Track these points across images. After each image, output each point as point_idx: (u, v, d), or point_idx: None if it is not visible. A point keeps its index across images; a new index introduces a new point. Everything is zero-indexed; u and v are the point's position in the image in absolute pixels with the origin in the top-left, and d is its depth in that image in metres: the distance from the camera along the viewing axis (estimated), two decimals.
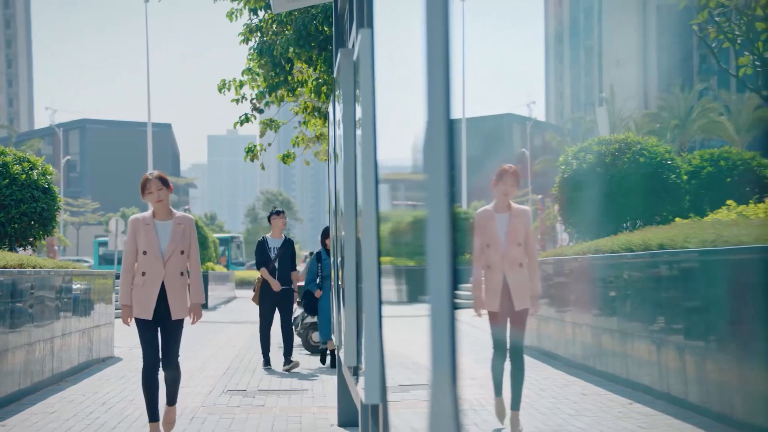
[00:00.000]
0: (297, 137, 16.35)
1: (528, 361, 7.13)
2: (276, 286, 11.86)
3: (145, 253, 6.93)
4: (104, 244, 39.76)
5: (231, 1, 14.22)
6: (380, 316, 3.89)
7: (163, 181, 7.04)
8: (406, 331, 3.36)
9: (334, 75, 5.91)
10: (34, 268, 10.07)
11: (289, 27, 13.55)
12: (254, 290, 12.34)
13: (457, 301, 2.26)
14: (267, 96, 14.44)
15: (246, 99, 14.75)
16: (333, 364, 11.99)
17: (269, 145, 15.34)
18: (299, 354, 13.54)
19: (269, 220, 12.30)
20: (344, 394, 7.77)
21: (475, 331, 8.77)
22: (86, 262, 45.15)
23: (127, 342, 14.94)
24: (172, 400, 7.25)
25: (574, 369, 9.62)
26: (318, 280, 12.21)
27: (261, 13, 14.02)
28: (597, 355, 8.85)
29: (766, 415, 4.73)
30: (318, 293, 12.19)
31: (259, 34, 14.09)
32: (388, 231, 3.80)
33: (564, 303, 10.57)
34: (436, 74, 2.25)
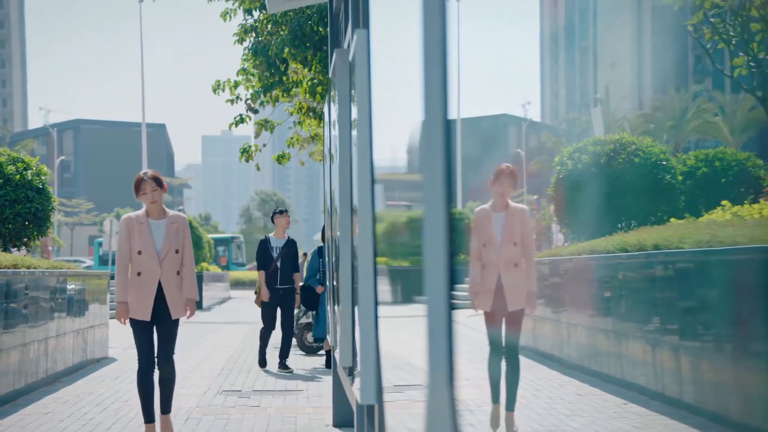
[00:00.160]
0: (292, 137, 16.35)
1: (523, 361, 7.13)
2: (264, 295, 11.80)
3: (140, 252, 6.90)
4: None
5: (225, 0, 14.22)
6: (376, 317, 3.89)
7: (158, 182, 7.01)
8: (401, 332, 3.36)
9: (330, 75, 5.90)
10: (28, 268, 10.05)
11: (284, 27, 13.55)
12: (256, 292, 12.22)
13: (454, 301, 2.25)
14: (262, 96, 14.44)
15: (241, 99, 14.74)
16: (328, 365, 11.99)
17: (264, 145, 15.32)
18: (294, 354, 13.52)
19: (272, 220, 12.19)
20: (339, 394, 7.76)
21: (470, 332, 8.78)
22: (82, 262, 45.09)
23: (121, 342, 14.91)
24: (166, 407, 7.12)
25: (569, 369, 9.62)
26: (319, 276, 12.11)
27: (256, 14, 14.01)
28: (592, 355, 8.86)
29: (762, 415, 4.73)
30: (320, 289, 12.06)
31: (253, 35, 14.09)
32: (383, 231, 3.80)
33: (559, 303, 10.58)
34: (433, 74, 2.24)
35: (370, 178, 3.95)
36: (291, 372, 11.69)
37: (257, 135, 15.83)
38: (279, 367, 11.74)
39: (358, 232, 3.96)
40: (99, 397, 9.72)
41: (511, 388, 6.79)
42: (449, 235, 2.22)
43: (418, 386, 2.68)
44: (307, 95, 13.79)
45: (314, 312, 12.70)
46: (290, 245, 11.94)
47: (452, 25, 2.27)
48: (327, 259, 7.29)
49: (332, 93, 5.72)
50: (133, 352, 7.70)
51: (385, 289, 3.79)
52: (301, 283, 12.65)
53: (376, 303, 3.89)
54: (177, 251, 6.97)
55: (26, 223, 12.06)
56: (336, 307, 5.89)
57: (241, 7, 13.97)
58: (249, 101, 14.67)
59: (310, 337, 13.70)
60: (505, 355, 6.79)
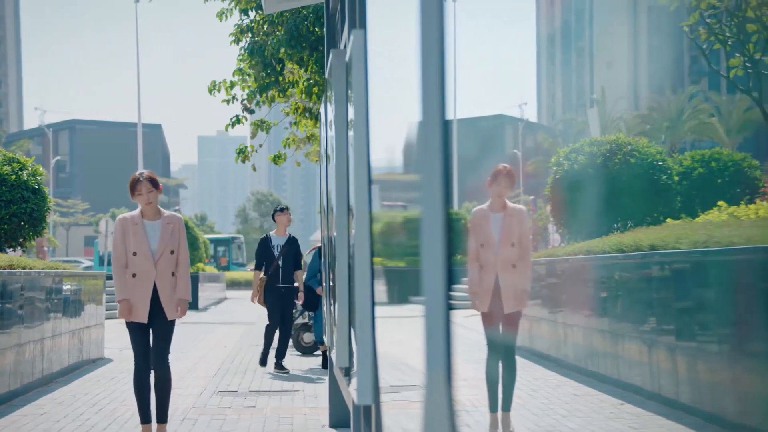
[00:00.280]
0: (288, 138, 16.34)
1: (520, 361, 7.14)
2: (254, 296, 11.80)
3: (135, 254, 6.87)
4: None
5: (222, 0, 14.21)
6: (373, 317, 3.88)
7: (153, 183, 6.99)
8: (398, 332, 3.35)
9: (326, 76, 5.89)
10: (24, 268, 10.03)
11: (280, 27, 13.54)
12: (256, 291, 12.01)
13: (452, 301, 2.25)
14: (258, 96, 14.43)
15: (237, 100, 14.73)
16: (324, 365, 11.98)
17: (260, 146, 15.31)
18: (290, 355, 13.51)
19: (273, 218, 12.11)
20: (336, 395, 7.75)
21: (468, 332, 8.78)
22: (81, 263, 45.06)
23: (117, 343, 14.89)
24: (162, 416, 7.03)
25: (566, 370, 9.63)
26: (319, 276, 12.05)
27: (252, 14, 14.00)
28: (589, 355, 8.86)
29: (758, 416, 4.74)
30: (320, 290, 11.99)
31: (249, 35, 14.08)
32: (380, 232, 3.79)
33: (556, 304, 10.58)
34: (431, 75, 2.24)
35: (367, 178, 3.95)
36: (287, 372, 11.68)
37: (253, 135, 15.82)
38: (275, 368, 11.73)
39: (354, 233, 3.96)
40: (95, 397, 9.71)
41: (507, 389, 6.79)
42: (447, 236, 2.22)
43: (415, 387, 2.68)
44: (303, 96, 13.78)
45: (312, 312, 12.68)
46: (292, 243, 11.88)
47: (449, 26, 2.27)
48: (323, 259, 7.28)
49: (329, 93, 5.72)
50: (129, 353, 7.69)
51: (381, 289, 3.78)
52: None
53: (373, 303, 3.89)
54: (172, 252, 6.94)
55: (22, 223, 12.04)
56: (332, 307, 5.88)
57: (237, 8, 13.96)
58: (245, 101, 14.66)
59: (306, 337, 13.68)
60: (501, 356, 6.79)
